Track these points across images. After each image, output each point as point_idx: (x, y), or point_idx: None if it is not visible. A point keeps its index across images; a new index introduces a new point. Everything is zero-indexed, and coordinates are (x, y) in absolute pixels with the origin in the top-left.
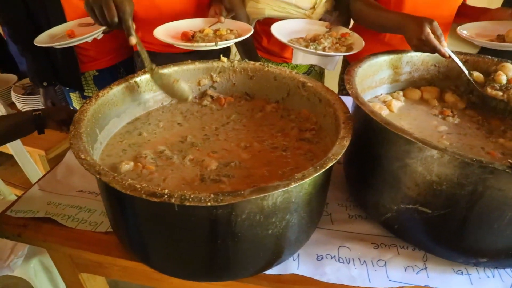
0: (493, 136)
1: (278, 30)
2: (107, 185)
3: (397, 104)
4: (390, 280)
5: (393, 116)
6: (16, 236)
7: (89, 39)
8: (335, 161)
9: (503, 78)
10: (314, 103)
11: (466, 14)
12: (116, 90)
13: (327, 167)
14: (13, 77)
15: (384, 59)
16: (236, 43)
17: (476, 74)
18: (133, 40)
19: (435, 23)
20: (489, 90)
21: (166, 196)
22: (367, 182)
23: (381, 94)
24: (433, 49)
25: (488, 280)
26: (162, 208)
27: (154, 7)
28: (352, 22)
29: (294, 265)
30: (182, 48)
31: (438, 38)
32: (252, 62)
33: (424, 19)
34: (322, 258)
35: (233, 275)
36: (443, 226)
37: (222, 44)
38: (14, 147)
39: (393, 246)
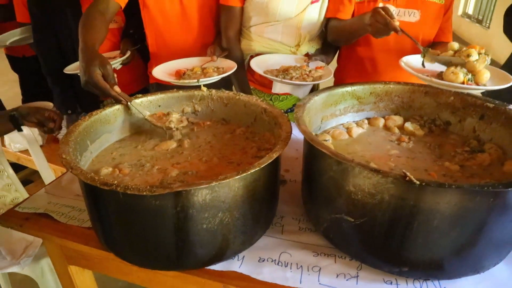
0: (441, 160)
1: (257, 63)
2: (81, 181)
3: (358, 130)
4: (320, 284)
5: (350, 140)
6: (19, 226)
7: None
8: (258, 168)
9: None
10: (272, 127)
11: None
12: (108, 111)
13: (248, 172)
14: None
15: (346, 90)
16: (231, 76)
17: (431, 51)
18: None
19: (387, 6)
20: (447, 74)
21: (114, 185)
22: (311, 196)
23: (347, 122)
24: (385, 23)
25: None
26: (114, 198)
27: (164, 45)
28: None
29: (237, 264)
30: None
31: (390, 16)
32: (227, 92)
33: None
34: (263, 261)
35: (178, 266)
36: (366, 234)
37: (204, 81)
38: (40, 164)
39: (332, 255)
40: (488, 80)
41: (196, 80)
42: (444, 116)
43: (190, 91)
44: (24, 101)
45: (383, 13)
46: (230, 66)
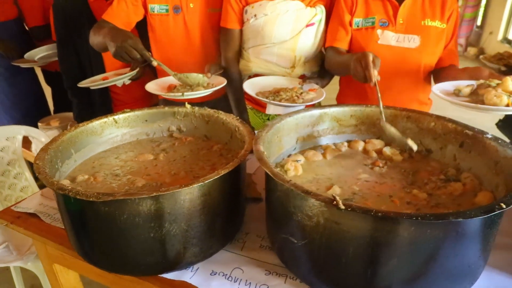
0: (411, 187)
1: (251, 85)
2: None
3: (334, 153)
4: None
5: (323, 162)
6: (10, 223)
7: (118, 83)
8: (202, 183)
9: None
10: (241, 144)
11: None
12: (95, 123)
13: (190, 186)
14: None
15: (324, 111)
16: (228, 94)
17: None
18: (155, 63)
19: (379, 59)
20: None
21: (67, 190)
22: (267, 214)
23: (326, 143)
24: (365, 68)
25: None
26: (72, 203)
27: (169, 63)
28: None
29: (189, 275)
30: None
31: (374, 66)
32: (208, 109)
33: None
34: (215, 274)
35: (132, 271)
36: (309, 257)
37: (188, 95)
38: None
39: (284, 276)
40: None
41: (180, 94)
42: (426, 142)
43: (175, 108)
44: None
45: (369, 60)
46: (220, 82)
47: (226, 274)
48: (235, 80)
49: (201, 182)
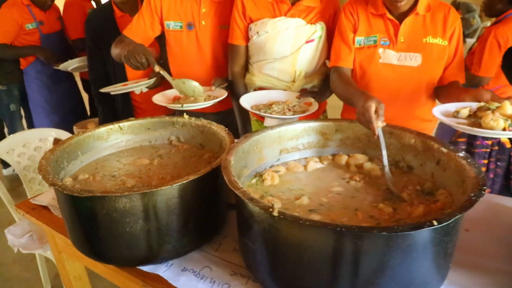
0: (379, 202)
1: (248, 98)
2: None
3: (316, 165)
4: None
5: (303, 174)
6: (25, 213)
7: (136, 90)
8: (170, 186)
9: None
10: None
11: (452, 94)
12: (102, 130)
13: (160, 188)
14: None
15: (308, 125)
16: (233, 106)
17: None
18: (156, 68)
19: (382, 105)
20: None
21: (58, 186)
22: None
23: (311, 156)
24: (368, 121)
25: None
26: (64, 197)
27: (183, 75)
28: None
29: (162, 269)
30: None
31: (377, 116)
32: (203, 120)
33: (374, 98)
34: (186, 270)
35: (112, 261)
36: (261, 259)
37: (186, 107)
38: None
39: (246, 277)
40: None
41: (180, 105)
42: (408, 159)
43: (174, 118)
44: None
45: (372, 112)
46: (221, 95)
47: (196, 272)
48: (240, 93)
49: (169, 185)
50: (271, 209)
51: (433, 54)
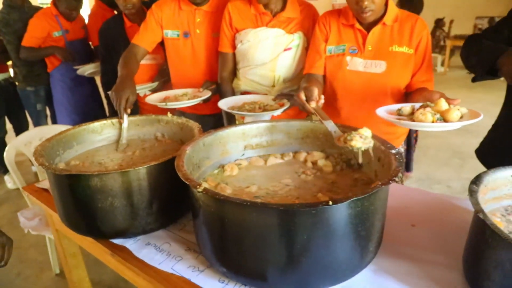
0: (323, 193)
1: (225, 101)
2: None
3: (275, 160)
4: (171, 268)
5: (261, 167)
6: (29, 194)
7: (140, 93)
8: (132, 169)
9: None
10: None
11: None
12: (96, 124)
13: (125, 170)
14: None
15: (272, 124)
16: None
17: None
18: (123, 122)
19: (311, 88)
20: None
21: (44, 165)
22: None
23: (273, 152)
24: (302, 105)
25: None
26: (52, 176)
27: (180, 78)
28: None
29: (130, 243)
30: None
31: (311, 99)
32: (183, 118)
33: (307, 87)
34: (148, 245)
35: (90, 233)
36: (202, 235)
37: (171, 105)
38: None
39: (198, 252)
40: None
41: (164, 104)
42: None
43: (159, 116)
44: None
45: (301, 97)
46: (205, 95)
47: (157, 246)
48: (226, 96)
49: (133, 168)
50: (198, 186)
51: (398, 62)
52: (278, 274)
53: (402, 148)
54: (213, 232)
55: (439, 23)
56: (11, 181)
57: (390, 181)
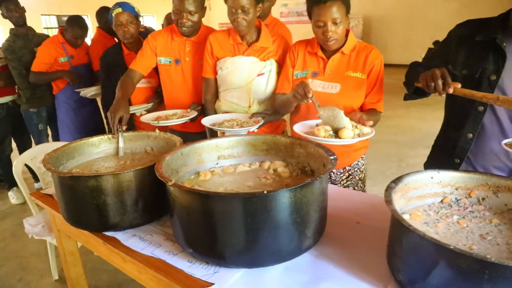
0: None
1: (207, 119)
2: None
3: (243, 168)
4: (151, 253)
5: (232, 174)
6: (36, 199)
7: (137, 112)
8: (122, 172)
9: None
10: None
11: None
12: (95, 139)
13: (114, 173)
14: None
15: (241, 138)
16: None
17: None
18: (119, 140)
19: (304, 82)
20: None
21: (51, 170)
22: None
23: (243, 162)
24: (303, 93)
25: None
26: (55, 178)
27: (172, 100)
28: None
29: (119, 235)
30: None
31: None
32: (169, 134)
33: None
34: (134, 236)
35: (87, 227)
36: (173, 224)
37: (162, 123)
38: None
39: (174, 242)
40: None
41: (157, 122)
42: (311, 164)
43: (149, 132)
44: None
45: (301, 90)
46: (191, 115)
47: (141, 237)
48: (210, 115)
49: (121, 172)
50: (169, 181)
51: (351, 85)
52: (234, 254)
53: (362, 160)
54: (182, 220)
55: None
56: (14, 197)
57: (318, 178)
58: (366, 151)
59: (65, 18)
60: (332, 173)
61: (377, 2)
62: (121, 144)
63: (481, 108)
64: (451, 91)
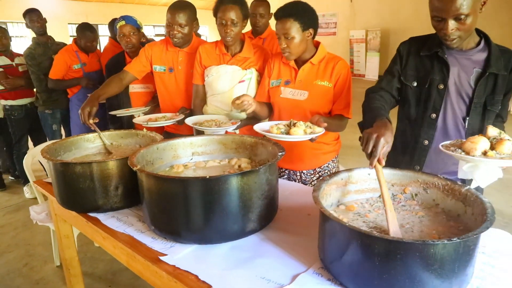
0: None
1: (191, 119)
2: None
3: (213, 164)
4: (124, 230)
5: (203, 168)
6: (38, 186)
7: (136, 114)
8: (102, 161)
9: None
10: None
11: None
12: (90, 135)
13: (96, 161)
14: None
15: (213, 138)
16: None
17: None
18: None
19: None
20: None
21: (47, 158)
22: None
23: (215, 159)
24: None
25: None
26: (52, 165)
27: (166, 104)
28: None
29: (102, 216)
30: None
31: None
32: (155, 133)
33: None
34: (113, 217)
35: (75, 209)
36: (145, 207)
37: (151, 124)
38: None
39: (144, 222)
40: None
41: (146, 123)
42: (271, 160)
43: (138, 131)
44: None
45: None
46: (178, 118)
47: (118, 218)
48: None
49: (103, 160)
50: (135, 166)
51: (318, 93)
52: (187, 231)
53: (333, 163)
54: (146, 201)
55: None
56: (28, 192)
57: (257, 168)
58: (336, 155)
59: None
60: (302, 173)
61: (396, 15)
62: (105, 141)
63: (433, 116)
64: (371, 167)
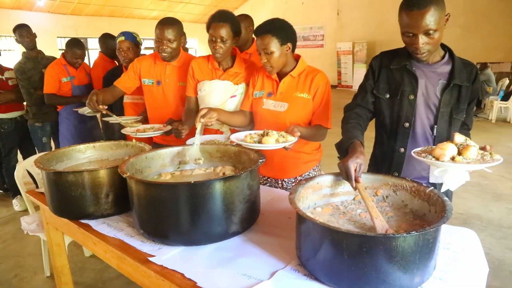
0: None
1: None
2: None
3: (199, 172)
4: (114, 235)
5: (189, 176)
6: (31, 196)
7: (128, 122)
8: (92, 170)
9: None
10: None
11: None
12: (81, 146)
13: (87, 170)
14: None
15: (202, 147)
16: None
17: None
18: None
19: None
20: None
21: (40, 167)
22: None
23: (202, 167)
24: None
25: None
26: (45, 175)
27: (154, 116)
28: None
29: (93, 222)
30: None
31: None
32: (144, 144)
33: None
34: (104, 223)
35: (67, 216)
36: (134, 212)
37: (140, 135)
38: None
39: (134, 228)
40: None
41: (135, 133)
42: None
43: (127, 142)
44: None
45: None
46: (165, 129)
47: (109, 224)
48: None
49: (94, 169)
50: (125, 173)
51: (297, 104)
52: (174, 233)
53: (314, 172)
54: (135, 206)
55: None
56: (18, 204)
57: (238, 174)
58: (318, 163)
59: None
60: (284, 181)
61: (381, 27)
62: (119, 120)
63: (406, 124)
64: (354, 189)
